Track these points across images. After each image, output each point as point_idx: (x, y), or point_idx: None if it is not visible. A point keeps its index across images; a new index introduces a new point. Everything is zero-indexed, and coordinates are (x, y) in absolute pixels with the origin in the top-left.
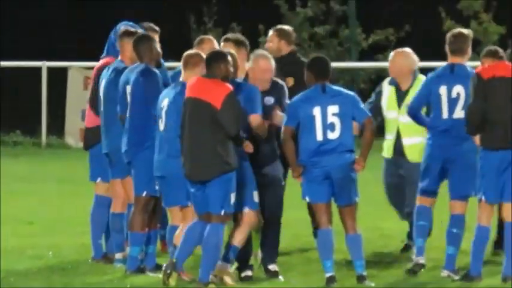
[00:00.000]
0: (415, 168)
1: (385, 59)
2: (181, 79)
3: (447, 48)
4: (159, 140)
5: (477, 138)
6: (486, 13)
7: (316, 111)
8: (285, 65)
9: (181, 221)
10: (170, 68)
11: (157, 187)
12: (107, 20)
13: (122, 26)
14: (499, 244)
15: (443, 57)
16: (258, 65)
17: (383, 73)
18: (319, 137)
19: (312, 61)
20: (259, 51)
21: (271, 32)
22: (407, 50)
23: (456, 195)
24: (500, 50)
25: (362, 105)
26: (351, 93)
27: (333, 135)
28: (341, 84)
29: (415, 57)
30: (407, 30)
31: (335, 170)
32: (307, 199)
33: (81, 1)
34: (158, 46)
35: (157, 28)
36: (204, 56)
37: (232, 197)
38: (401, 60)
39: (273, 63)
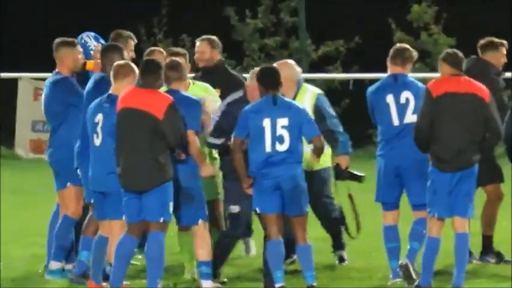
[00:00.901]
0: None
1: (335, 70)
2: (110, 91)
3: (389, 60)
4: (95, 155)
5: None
6: (436, 24)
7: (266, 122)
8: (214, 75)
9: (109, 232)
10: None
11: None
12: (57, 30)
13: (83, 35)
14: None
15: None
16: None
17: (333, 84)
18: (268, 148)
19: (262, 72)
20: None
21: (201, 42)
22: (290, 61)
23: (417, 205)
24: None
25: (313, 121)
26: (302, 107)
27: (281, 147)
28: None
29: (298, 68)
30: (357, 41)
31: (285, 181)
32: (258, 210)
33: (31, 12)
34: (127, 55)
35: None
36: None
37: (170, 206)
38: (284, 71)
39: None
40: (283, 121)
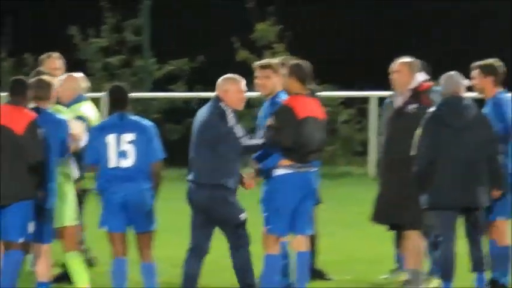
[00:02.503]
0: None
1: (179, 89)
2: None
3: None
4: None
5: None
6: (280, 43)
7: (111, 138)
8: None
9: None
10: None
11: None
12: None
13: None
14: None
15: None
16: (236, 87)
17: (176, 103)
18: (112, 163)
19: (110, 90)
20: (229, 75)
21: (59, 59)
22: (76, 74)
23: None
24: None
25: (157, 142)
26: (150, 124)
27: (126, 163)
28: (134, 114)
29: (83, 82)
30: (202, 60)
31: (131, 197)
32: (105, 228)
33: None
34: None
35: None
36: None
37: (30, 226)
38: (67, 83)
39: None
40: (129, 137)
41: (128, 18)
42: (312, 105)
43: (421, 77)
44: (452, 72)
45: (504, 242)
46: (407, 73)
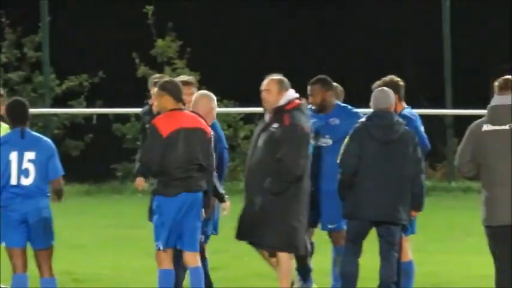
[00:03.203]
0: None
1: (79, 105)
2: None
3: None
4: None
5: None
6: (180, 59)
7: (13, 155)
8: None
9: None
10: None
11: None
12: None
13: None
14: None
15: (138, 104)
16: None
17: (76, 119)
18: (14, 181)
19: (9, 105)
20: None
21: None
22: None
23: None
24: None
25: (56, 159)
26: (50, 142)
27: (27, 181)
28: (35, 130)
29: None
30: (101, 76)
31: (31, 214)
32: (4, 244)
33: None
34: None
35: None
36: None
37: None
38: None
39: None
40: (30, 155)
41: (28, 34)
42: (185, 118)
43: (291, 94)
44: (382, 88)
45: (407, 258)
46: (276, 91)
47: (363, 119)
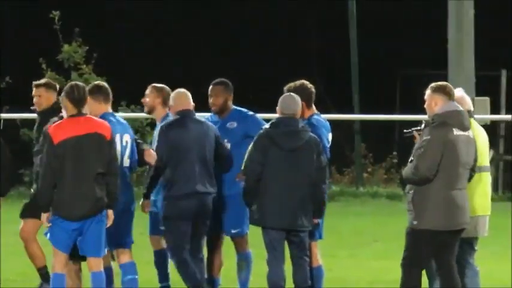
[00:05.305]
0: None
1: None
2: None
3: None
4: None
5: None
6: (87, 65)
7: None
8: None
9: None
10: None
11: None
12: None
13: None
14: None
15: None
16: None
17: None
18: None
19: None
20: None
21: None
22: None
23: None
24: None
25: None
26: None
27: None
28: None
29: None
30: (8, 81)
31: None
32: None
33: None
34: None
35: None
36: None
37: None
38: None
39: None
40: None
41: None
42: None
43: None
44: (290, 93)
45: (316, 263)
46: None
47: (267, 126)
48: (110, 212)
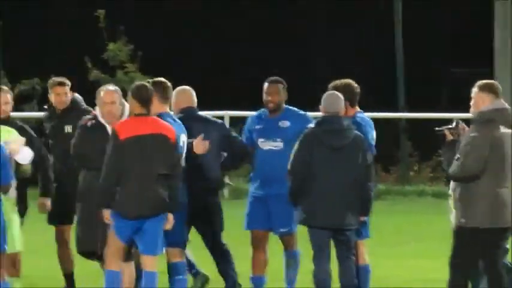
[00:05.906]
0: None
1: (31, 109)
2: None
3: None
4: None
5: None
6: (132, 63)
7: None
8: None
9: None
10: None
11: None
12: None
13: None
14: None
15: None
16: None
17: (28, 123)
18: None
19: None
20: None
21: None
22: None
23: None
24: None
25: (8, 166)
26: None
27: None
28: None
29: None
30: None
31: None
32: None
33: None
34: None
35: None
36: None
37: None
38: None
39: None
40: None
41: None
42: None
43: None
44: (333, 92)
45: (363, 262)
46: (120, 102)
47: (312, 124)
48: (170, 216)
